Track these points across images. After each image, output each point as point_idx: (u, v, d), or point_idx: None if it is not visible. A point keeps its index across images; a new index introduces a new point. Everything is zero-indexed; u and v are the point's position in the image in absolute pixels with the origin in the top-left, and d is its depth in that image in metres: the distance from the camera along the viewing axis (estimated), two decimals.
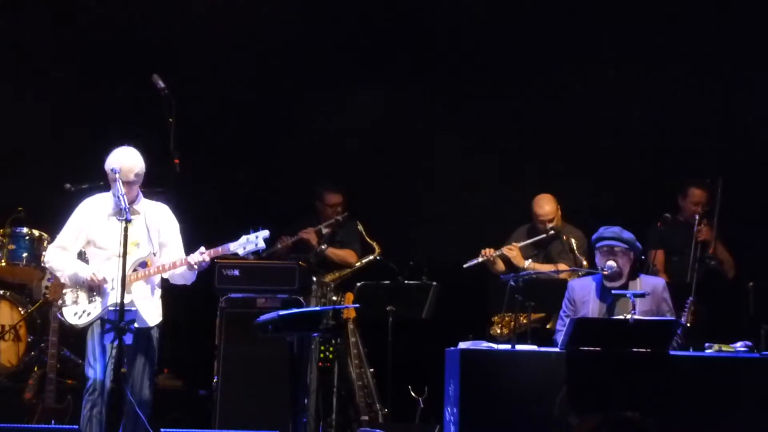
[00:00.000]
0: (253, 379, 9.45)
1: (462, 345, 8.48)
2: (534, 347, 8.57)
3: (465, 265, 9.96)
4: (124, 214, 7.82)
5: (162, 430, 8.45)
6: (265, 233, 8.04)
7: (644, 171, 10.83)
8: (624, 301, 8.60)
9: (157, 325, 8.14)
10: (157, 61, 10.34)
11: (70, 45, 11.02)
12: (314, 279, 9.97)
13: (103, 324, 7.94)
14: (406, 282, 9.95)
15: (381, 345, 9.75)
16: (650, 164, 10.86)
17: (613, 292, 8.67)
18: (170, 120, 9.44)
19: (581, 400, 8.20)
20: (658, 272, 9.93)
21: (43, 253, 9.83)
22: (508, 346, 8.54)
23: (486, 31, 10.99)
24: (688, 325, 9.19)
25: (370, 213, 10.62)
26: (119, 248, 7.83)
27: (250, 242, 8.03)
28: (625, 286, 8.70)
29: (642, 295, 8.50)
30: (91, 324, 8.06)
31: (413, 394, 9.99)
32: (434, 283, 9.88)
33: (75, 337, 8.97)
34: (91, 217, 8.17)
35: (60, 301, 8.18)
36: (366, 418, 9.74)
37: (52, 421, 9.50)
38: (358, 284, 9.89)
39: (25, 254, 10.18)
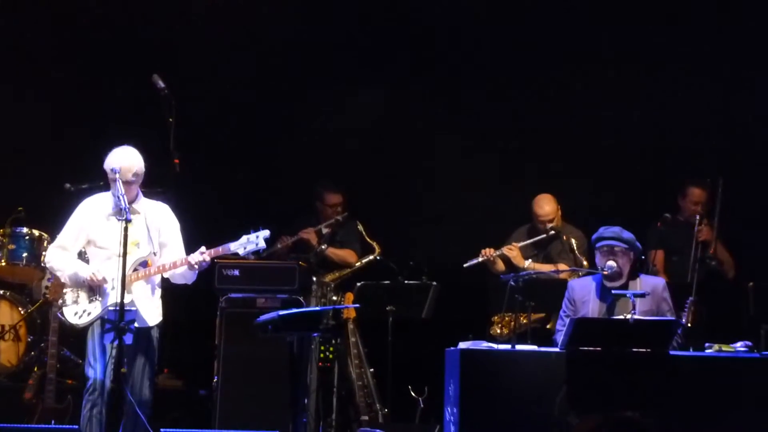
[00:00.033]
0: (253, 379, 9.45)
1: (462, 345, 8.48)
2: (534, 347, 8.57)
3: (465, 265, 9.96)
4: (124, 214, 7.82)
5: (162, 430, 8.45)
6: (266, 233, 8.04)
7: (644, 171, 10.83)
8: (624, 301, 8.60)
9: (157, 325, 8.14)
10: (157, 61, 10.34)
11: (70, 45, 11.02)
12: (314, 279, 9.97)
13: (103, 324, 7.95)
14: (406, 282, 9.95)
15: (381, 345, 9.75)
16: (650, 164, 10.87)
17: (613, 292, 8.67)
18: (170, 120, 9.44)
19: (581, 400, 8.20)
20: (658, 272, 9.93)
21: (43, 253, 9.85)
22: (508, 346, 8.54)
23: (486, 31, 10.99)
24: (688, 325, 9.19)
25: (370, 213, 10.62)
26: (119, 248, 7.83)
27: (251, 242, 8.03)
28: (625, 286, 8.70)
29: (642, 295, 8.50)
30: (91, 324, 8.06)
31: (413, 394, 9.99)
32: (434, 283, 9.88)
33: (75, 337, 8.98)
34: (91, 217, 8.17)
35: (60, 301, 8.18)
36: (366, 418, 9.73)
37: (52, 421, 9.50)
38: (358, 284, 9.89)
39: (25, 254, 10.18)
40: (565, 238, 10.10)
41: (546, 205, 10.17)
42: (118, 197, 7.93)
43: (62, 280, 8.20)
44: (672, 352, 8.37)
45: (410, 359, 9.86)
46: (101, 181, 8.31)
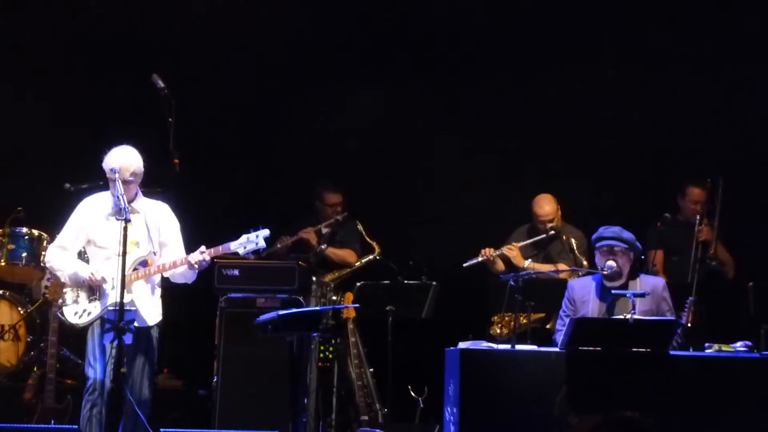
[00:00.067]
0: (253, 379, 9.44)
1: (462, 345, 8.47)
2: (534, 347, 8.57)
3: (465, 265, 9.96)
4: (123, 213, 7.81)
5: (162, 430, 8.44)
6: (266, 232, 8.03)
7: (644, 171, 10.83)
8: (624, 301, 8.60)
9: (157, 325, 8.13)
10: (157, 61, 10.34)
11: (70, 45, 11.02)
12: (314, 279, 9.97)
13: (103, 324, 7.94)
14: (405, 282, 9.95)
15: (381, 345, 9.75)
16: (650, 164, 10.86)
17: (613, 291, 8.67)
18: (170, 120, 9.44)
19: (581, 400, 8.20)
20: (658, 272, 9.93)
21: (43, 252, 9.85)
22: (508, 346, 8.53)
23: (486, 31, 10.99)
24: (688, 325, 9.19)
25: (370, 213, 10.61)
26: (119, 247, 7.83)
27: (251, 241, 8.02)
28: (624, 286, 8.70)
29: (642, 295, 8.50)
30: (91, 323, 8.05)
31: (413, 394, 9.99)
32: (434, 282, 9.88)
33: (75, 336, 8.98)
34: (90, 217, 8.17)
35: (60, 301, 8.18)
36: (366, 418, 9.73)
37: (52, 421, 9.49)
38: (358, 284, 9.89)
39: (24, 254, 10.18)
40: (565, 238, 10.10)
41: (546, 205, 10.17)
42: (118, 197, 7.92)
43: (62, 280, 8.19)
44: (672, 352, 8.37)
45: (410, 359, 9.86)
46: (101, 181, 8.30)
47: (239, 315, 9.49)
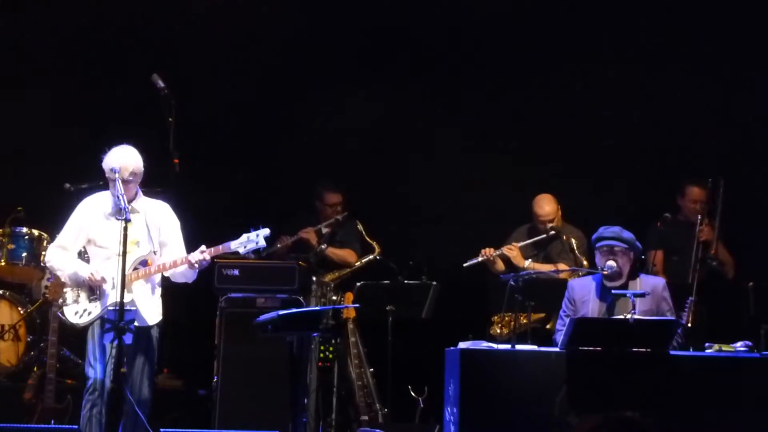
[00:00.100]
0: (253, 379, 9.44)
1: (462, 345, 8.47)
2: (534, 347, 8.57)
3: (465, 265, 9.96)
4: (123, 213, 7.81)
5: (162, 429, 8.43)
6: (266, 231, 8.03)
7: (644, 171, 10.83)
8: (624, 301, 8.60)
9: (157, 324, 8.13)
10: (157, 61, 10.34)
11: (70, 45, 11.01)
12: (314, 279, 9.97)
13: (103, 324, 7.94)
14: (405, 282, 9.95)
15: (381, 345, 9.75)
16: (650, 164, 10.86)
17: (613, 291, 8.67)
18: (170, 120, 9.44)
19: (581, 400, 8.20)
20: (658, 272, 9.93)
21: (43, 252, 9.84)
22: (508, 346, 8.53)
23: (486, 31, 10.98)
24: (688, 325, 9.19)
25: (370, 213, 10.61)
26: (119, 247, 7.82)
27: (251, 241, 8.02)
28: (625, 286, 8.70)
29: (642, 295, 8.50)
30: (91, 323, 8.05)
31: (413, 394, 9.99)
32: (434, 282, 9.88)
33: (75, 336, 8.98)
34: (90, 216, 8.17)
35: (61, 300, 8.18)
36: (366, 418, 9.73)
37: (52, 421, 9.49)
38: (358, 284, 9.89)
39: (24, 254, 10.18)
40: (565, 238, 10.10)
41: (546, 205, 10.17)
42: (118, 197, 7.92)
43: (62, 280, 8.19)
44: (672, 352, 8.36)
45: (410, 359, 9.86)
46: (101, 181, 8.30)
47: (239, 315, 9.49)
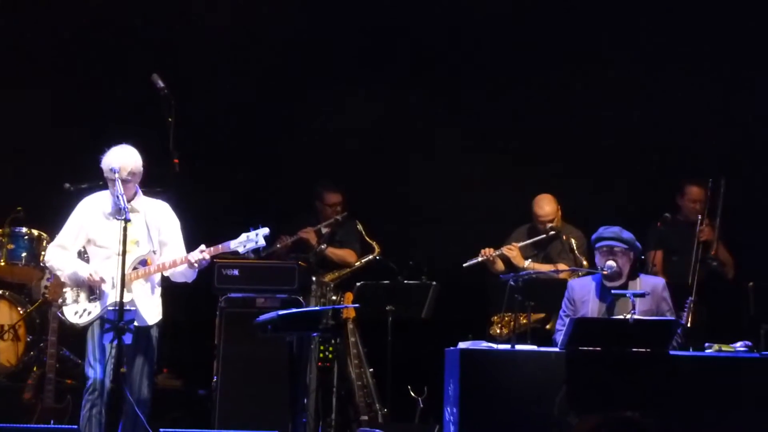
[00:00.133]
0: (252, 379, 9.44)
1: (461, 345, 8.47)
2: (534, 347, 8.56)
3: (465, 265, 9.95)
4: (123, 213, 7.81)
5: (161, 429, 8.43)
6: (265, 231, 8.03)
7: (644, 171, 10.83)
8: (624, 301, 8.60)
9: (156, 324, 8.13)
10: (157, 61, 10.34)
11: (70, 45, 11.01)
12: (314, 279, 9.96)
13: (103, 324, 7.94)
14: (405, 282, 9.95)
15: (380, 345, 9.74)
16: (650, 164, 10.86)
17: (612, 291, 8.67)
18: (170, 120, 9.43)
19: (581, 400, 8.20)
20: (658, 272, 9.92)
21: (43, 252, 9.84)
22: (507, 346, 8.53)
23: (486, 31, 10.98)
24: (688, 325, 9.18)
25: (370, 213, 10.61)
26: (119, 247, 7.82)
27: (251, 240, 8.02)
28: (624, 286, 8.70)
29: (642, 295, 8.50)
30: (91, 323, 8.05)
31: (413, 394, 9.98)
32: (434, 282, 9.87)
33: (74, 336, 8.96)
34: (90, 216, 8.17)
35: (60, 300, 8.17)
36: (365, 418, 9.73)
37: (51, 421, 9.50)
38: (358, 284, 9.88)
39: (24, 254, 10.17)
40: (565, 238, 10.10)
41: (546, 206, 10.17)
42: (117, 197, 7.92)
43: (62, 280, 8.19)
44: (672, 352, 8.36)
45: (410, 359, 9.86)
46: (100, 181, 8.30)
47: (239, 315, 9.49)
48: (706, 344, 8.61)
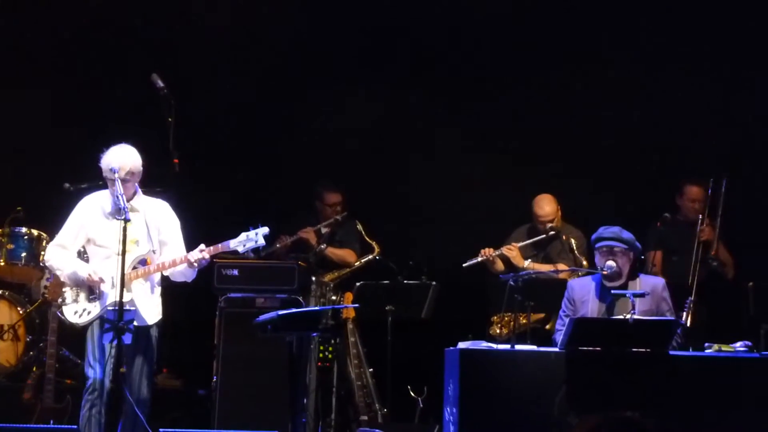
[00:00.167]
0: (252, 379, 9.44)
1: (461, 345, 8.47)
2: (533, 347, 8.56)
3: (464, 265, 9.95)
4: (122, 213, 7.80)
5: (161, 429, 8.43)
6: (265, 230, 8.03)
7: (644, 171, 10.83)
8: (623, 301, 8.60)
9: (156, 324, 8.13)
10: (157, 61, 10.34)
11: (70, 45, 11.02)
12: (313, 279, 9.96)
13: (103, 323, 7.94)
14: (405, 282, 9.95)
15: (380, 345, 9.74)
16: (650, 164, 10.86)
17: (612, 291, 8.67)
18: (170, 120, 9.43)
19: (581, 400, 8.20)
20: (657, 272, 9.92)
21: (42, 252, 9.84)
22: (507, 346, 8.53)
23: (486, 31, 10.98)
24: (688, 325, 9.18)
25: (370, 213, 10.61)
26: (118, 246, 7.82)
27: (250, 239, 8.02)
28: (624, 286, 8.70)
29: (641, 295, 8.50)
30: (91, 323, 8.05)
31: (412, 394, 9.98)
32: (433, 282, 9.87)
33: (74, 336, 8.95)
34: (90, 216, 8.16)
35: (60, 300, 8.17)
36: (365, 418, 9.72)
37: (51, 421, 9.49)
38: (358, 284, 9.88)
39: (23, 254, 10.17)
40: (564, 238, 10.10)
41: (546, 206, 10.17)
42: (117, 196, 7.92)
43: (62, 279, 8.19)
44: (672, 352, 8.36)
45: (410, 359, 9.85)
46: (100, 181, 8.30)
47: (239, 315, 9.49)
48: (706, 344, 8.61)
